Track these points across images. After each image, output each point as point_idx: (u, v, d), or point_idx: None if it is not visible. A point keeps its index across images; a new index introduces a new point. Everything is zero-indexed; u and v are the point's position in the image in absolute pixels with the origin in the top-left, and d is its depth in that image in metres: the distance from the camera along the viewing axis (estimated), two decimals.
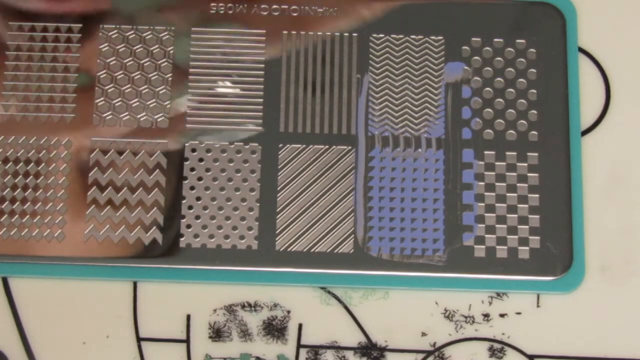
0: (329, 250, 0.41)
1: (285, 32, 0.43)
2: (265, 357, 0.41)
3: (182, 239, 0.41)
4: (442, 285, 0.41)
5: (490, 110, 0.43)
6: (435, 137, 0.42)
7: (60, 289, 0.41)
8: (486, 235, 0.41)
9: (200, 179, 0.42)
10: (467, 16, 0.44)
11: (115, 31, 0.43)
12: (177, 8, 0.44)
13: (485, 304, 0.41)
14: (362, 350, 0.41)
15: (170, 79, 0.43)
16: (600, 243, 0.42)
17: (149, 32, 0.43)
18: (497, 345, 0.41)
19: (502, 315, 0.41)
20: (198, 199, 0.42)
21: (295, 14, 0.44)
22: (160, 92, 0.43)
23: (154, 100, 0.43)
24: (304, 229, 0.41)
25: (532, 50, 0.43)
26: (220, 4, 0.44)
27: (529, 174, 0.42)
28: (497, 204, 0.42)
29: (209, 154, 0.42)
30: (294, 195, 0.42)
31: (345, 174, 0.42)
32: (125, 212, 0.41)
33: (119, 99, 0.43)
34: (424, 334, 0.41)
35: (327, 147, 0.42)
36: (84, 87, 0.43)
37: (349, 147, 0.42)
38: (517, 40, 0.43)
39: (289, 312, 0.41)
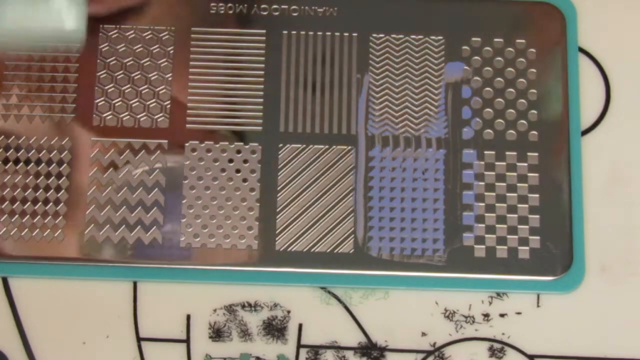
0: (329, 250, 0.41)
1: (285, 32, 0.43)
2: (265, 357, 0.41)
3: (182, 239, 0.41)
4: (442, 285, 0.41)
5: (490, 110, 0.43)
6: (435, 137, 0.42)
7: (60, 289, 0.41)
8: (486, 235, 0.41)
9: (200, 178, 0.42)
10: (467, 16, 0.44)
11: (115, 31, 0.43)
12: (177, 8, 0.44)
13: (485, 304, 0.41)
14: (362, 350, 0.41)
15: (170, 79, 0.43)
16: (600, 243, 0.42)
17: (149, 32, 0.43)
18: (497, 345, 0.41)
19: (502, 315, 0.41)
20: (198, 199, 0.42)
21: (295, 14, 0.44)
22: (160, 92, 0.43)
23: (154, 100, 0.43)
24: (304, 229, 0.41)
25: (532, 50, 0.43)
26: (220, 4, 0.44)
27: (529, 174, 0.42)
28: (497, 204, 0.42)
29: (209, 154, 0.42)
30: (294, 195, 0.42)
31: (345, 174, 0.42)
32: (125, 212, 0.41)
33: (119, 99, 0.43)
34: (424, 334, 0.41)
35: (327, 147, 0.42)
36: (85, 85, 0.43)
37: (349, 147, 0.42)
38: (517, 40, 0.43)
39: (289, 312, 0.41)
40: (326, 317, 0.41)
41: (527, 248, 0.41)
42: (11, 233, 0.41)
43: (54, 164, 0.42)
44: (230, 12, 0.44)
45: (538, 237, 0.41)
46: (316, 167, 0.42)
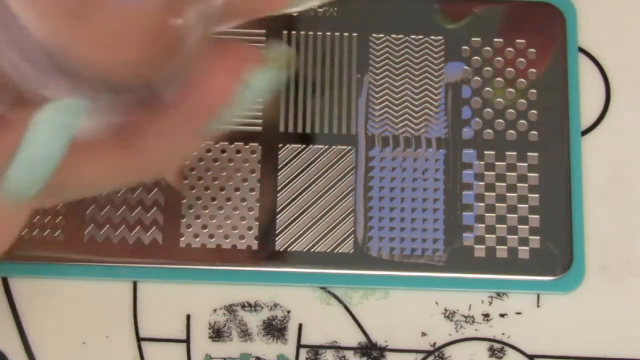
0: (329, 250, 0.41)
1: (285, 32, 0.43)
2: (265, 357, 0.41)
3: (182, 239, 0.41)
4: (442, 285, 0.41)
5: (490, 110, 0.43)
6: (435, 137, 0.42)
7: (60, 289, 0.41)
8: (486, 235, 0.41)
9: (200, 179, 0.42)
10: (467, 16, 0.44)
11: None
12: None
13: (485, 304, 0.41)
14: (362, 350, 0.41)
15: None
16: (600, 243, 0.42)
17: None
18: (497, 345, 0.41)
19: (502, 315, 0.41)
20: (198, 199, 0.42)
21: (295, 14, 0.44)
22: None
23: None
24: (304, 229, 0.41)
25: (532, 50, 0.43)
26: None
27: (529, 174, 0.42)
28: (497, 204, 0.42)
29: (209, 154, 0.42)
30: (294, 195, 0.42)
31: (345, 174, 0.42)
32: (125, 212, 0.41)
33: None
34: (424, 334, 0.41)
35: (327, 147, 0.42)
36: None
37: (349, 147, 0.42)
38: (517, 40, 0.43)
39: (289, 312, 0.41)
40: (326, 317, 0.41)
41: (527, 248, 0.41)
42: None
43: None
44: None
45: (538, 237, 0.41)
46: (316, 167, 0.42)
